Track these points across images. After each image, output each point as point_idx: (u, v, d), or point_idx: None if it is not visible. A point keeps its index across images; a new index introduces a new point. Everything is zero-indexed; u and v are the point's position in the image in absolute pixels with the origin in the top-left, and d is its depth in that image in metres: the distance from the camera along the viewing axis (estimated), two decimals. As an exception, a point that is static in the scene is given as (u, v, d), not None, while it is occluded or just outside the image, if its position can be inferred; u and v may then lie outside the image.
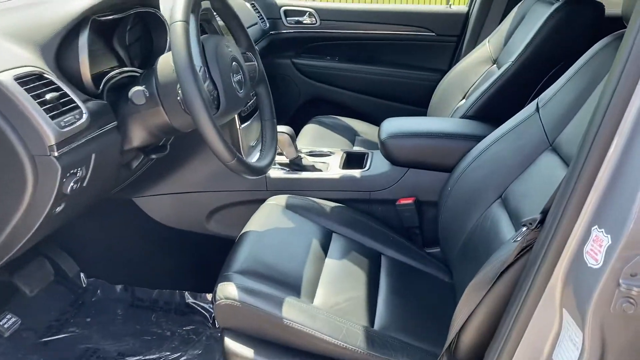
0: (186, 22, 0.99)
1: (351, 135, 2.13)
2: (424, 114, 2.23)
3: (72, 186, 0.96)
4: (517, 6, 1.95)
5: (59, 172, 0.91)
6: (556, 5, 1.60)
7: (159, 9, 1.27)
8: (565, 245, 0.73)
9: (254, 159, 1.61)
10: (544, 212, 0.81)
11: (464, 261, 1.29)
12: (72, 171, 0.96)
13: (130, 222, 1.61)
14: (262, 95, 1.35)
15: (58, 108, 0.93)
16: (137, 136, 1.15)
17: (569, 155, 1.12)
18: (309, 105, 2.50)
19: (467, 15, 2.38)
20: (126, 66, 1.22)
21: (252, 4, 2.25)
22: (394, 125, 1.56)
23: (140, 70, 1.23)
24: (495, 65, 1.93)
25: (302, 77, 2.46)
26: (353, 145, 2.05)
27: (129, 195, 1.56)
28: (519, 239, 0.85)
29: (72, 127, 0.94)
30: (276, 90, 2.48)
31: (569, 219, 0.72)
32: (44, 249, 1.57)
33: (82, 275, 1.66)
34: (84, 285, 1.66)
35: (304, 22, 2.42)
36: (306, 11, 2.41)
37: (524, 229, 0.84)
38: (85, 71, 1.02)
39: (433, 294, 1.32)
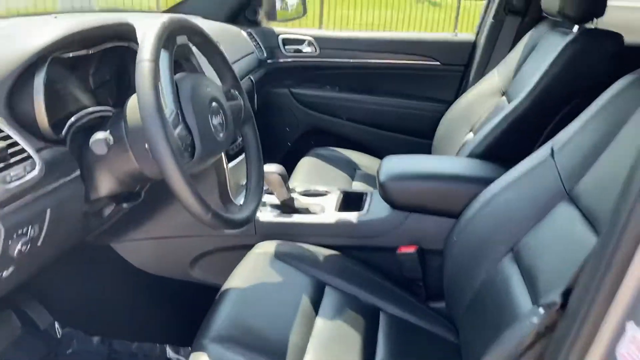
0: (154, 61, 0.88)
1: (351, 169, 2.01)
2: (429, 146, 2.11)
3: (20, 248, 0.84)
4: (528, 34, 1.84)
5: (1, 233, 0.80)
6: (571, 36, 1.48)
7: (136, 42, 1.17)
8: (593, 340, 0.60)
9: (240, 200, 1.50)
10: (565, 294, 0.67)
11: (472, 320, 1.16)
12: (20, 231, 0.84)
13: (108, 268, 1.49)
14: (248, 135, 1.23)
15: (5, 159, 0.81)
16: (105, 185, 1.04)
17: (588, 208, 0.99)
18: (308, 137, 2.39)
19: (474, 44, 2.27)
20: (96, 105, 1.12)
21: (249, 32, 2.16)
22: (394, 165, 1.44)
23: (113, 110, 1.12)
24: (504, 97, 1.81)
25: (300, 107, 2.35)
26: (353, 180, 1.93)
27: (106, 241, 1.44)
28: (534, 320, 0.72)
29: (20, 181, 0.82)
30: (274, 121, 2.40)
31: (597, 308, 0.59)
32: (13, 297, 1.44)
33: (56, 325, 1.53)
34: (58, 337, 1.53)
35: (304, 50, 2.32)
36: (305, 39, 2.31)
37: (542, 311, 0.71)
38: (41, 115, 0.91)
39: (437, 357, 1.18)
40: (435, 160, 1.57)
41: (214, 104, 1.04)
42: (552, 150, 1.16)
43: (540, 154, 1.20)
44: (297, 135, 2.40)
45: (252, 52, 2.09)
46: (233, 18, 2.17)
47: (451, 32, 9.04)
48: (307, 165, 1.97)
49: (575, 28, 1.55)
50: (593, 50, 1.43)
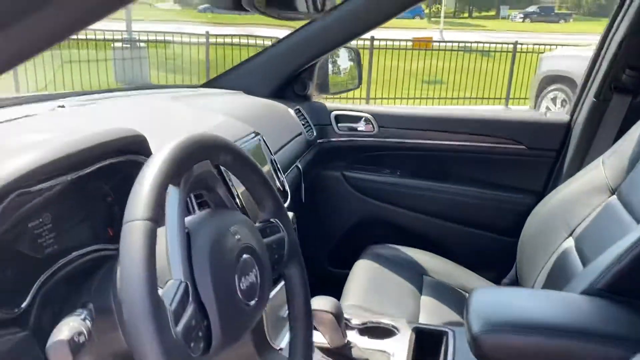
0: (151, 220, 0.57)
1: (417, 276, 1.65)
2: (512, 245, 1.73)
3: None
4: (645, 119, 1.46)
5: None
6: None
7: (147, 154, 0.87)
8: None
9: (282, 340, 1.16)
10: None
11: None
12: None
13: None
14: (293, 279, 0.89)
15: None
16: (87, 370, 0.72)
17: None
18: (363, 228, 2.03)
19: (568, 126, 1.89)
20: (92, 244, 0.81)
21: (297, 109, 1.87)
22: (489, 308, 1.06)
23: (114, 247, 0.81)
24: (615, 196, 1.42)
25: (355, 194, 2.01)
26: (421, 294, 1.57)
27: None
28: None
29: None
30: (323, 209, 2.06)
31: None
32: None
33: None
34: None
35: (359, 129, 2.00)
36: (362, 116, 2.00)
37: None
38: None
39: None
40: (545, 301, 1.17)
41: (244, 256, 0.71)
42: None
43: None
44: (350, 226, 2.05)
45: (301, 134, 1.79)
46: (280, 93, 1.89)
47: (505, 81, 8.79)
48: (363, 272, 1.62)
49: None
50: None
